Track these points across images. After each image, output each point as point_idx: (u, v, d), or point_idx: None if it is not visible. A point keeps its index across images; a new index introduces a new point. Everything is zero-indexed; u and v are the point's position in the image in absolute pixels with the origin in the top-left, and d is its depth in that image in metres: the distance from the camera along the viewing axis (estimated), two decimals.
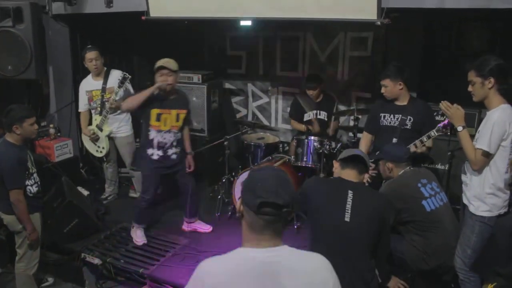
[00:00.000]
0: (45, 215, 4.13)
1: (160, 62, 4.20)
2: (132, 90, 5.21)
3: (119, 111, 5.09)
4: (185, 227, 4.84)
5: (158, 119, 4.27)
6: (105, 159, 5.45)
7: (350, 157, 2.97)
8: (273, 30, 6.30)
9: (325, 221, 2.73)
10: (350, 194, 2.78)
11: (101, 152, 5.34)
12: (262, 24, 5.81)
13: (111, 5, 4.91)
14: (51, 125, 5.56)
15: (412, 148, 3.85)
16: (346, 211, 2.75)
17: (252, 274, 1.58)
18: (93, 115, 5.24)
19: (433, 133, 3.74)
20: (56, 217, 4.40)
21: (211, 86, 6.12)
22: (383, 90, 4.10)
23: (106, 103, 5.07)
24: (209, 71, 6.26)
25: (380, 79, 4.12)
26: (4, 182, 3.57)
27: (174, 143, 4.40)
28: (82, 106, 5.25)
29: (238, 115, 6.95)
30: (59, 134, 5.65)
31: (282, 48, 6.41)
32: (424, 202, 3.48)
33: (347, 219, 2.73)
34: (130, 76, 5.01)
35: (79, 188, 5.06)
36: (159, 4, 4.74)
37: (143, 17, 4.77)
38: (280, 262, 1.61)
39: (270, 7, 4.31)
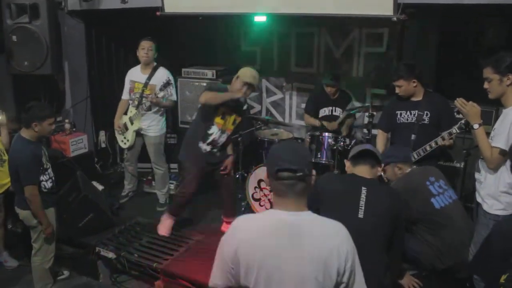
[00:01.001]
0: (61, 210, 4.19)
1: (247, 77, 4.19)
2: (175, 96, 5.23)
3: (155, 109, 5.11)
4: (224, 227, 4.74)
5: (223, 117, 4.36)
6: (126, 153, 5.46)
7: (359, 153, 2.93)
8: (287, 26, 6.27)
9: (338, 218, 2.69)
10: (363, 190, 2.75)
11: (125, 144, 5.34)
12: (277, 20, 5.78)
13: (126, 1, 4.93)
14: (66, 120, 5.62)
15: (439, 141, 3.78)
16: (360, 207, 2.72)
17: (278, 232, 1.78)
18: (130, 106, 5.21)
19: (455, 129, 3.68)
20: (71, 212, 4.45)
21: (225, 82, 6.10)
22: (397, 90, 4.05)
23: (144, 98, 5.05)
24: (223, 67, 6.26)
25: (393, 80, 4.06)
26: (19, 178, 3.62)
27: (225, 144, 4.54)
28: (125, 94, 5.27)
29: (252, 111, 6.95)
30: (74, 129, 5.71)
31: (297, 44, 6.38)
32: (433, 200, 3.45)
33: (360, 215, 2.71)
34: (172, 82, 5.01)
35: (94, 183, 5.10)
36: (174, 0, 4.75)
37: (158, 13, 4.78)
38: (302, 225, 1.80)
39: (285, 2, 4.29)
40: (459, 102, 3.24)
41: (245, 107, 4.62)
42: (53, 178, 3.90)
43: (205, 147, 4.38)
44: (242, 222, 1.90)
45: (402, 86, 3.99)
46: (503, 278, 2.27)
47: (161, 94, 4.89)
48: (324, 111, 5.43)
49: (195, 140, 4.38)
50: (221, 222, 4.79)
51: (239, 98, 4.18)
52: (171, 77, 5.04)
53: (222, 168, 4.56)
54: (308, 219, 1.84)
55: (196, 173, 4.41)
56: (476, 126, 3.16)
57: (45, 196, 3.75)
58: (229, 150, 4.70)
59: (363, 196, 2.72)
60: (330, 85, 5.31)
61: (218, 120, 4.33)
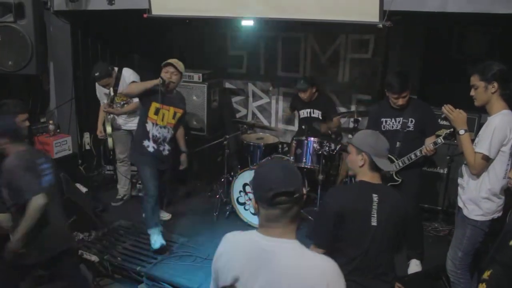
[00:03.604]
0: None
1: (169, 60, 4.38)
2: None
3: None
4: None
5: (156, 113, 4.38)
6: (113, 154, 5.49)
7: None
8: (274, 30, 6.30)
9: (352, 229, 2.56)
10: (375, 198, 2.59)
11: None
12: (264, 25, 5.80)
13: (113, 2, 4.90)
14: (51, 122, 5.56)
15: (424, 150, 3.79)
16: (372, 215, 2.58)
17: (249, 254, 1.75)
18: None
19: (440, 140, 3.71)
20: None
21: (211, 85, 6.12)
22: (401, 102, 3.92)
23: (115, 103, 5.20)
24: (209, 70, 6.26)
25: (401, 92, 3.88)
26: None
27: (167, 140, 4.51)
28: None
29: (238, 115, 6.95)
30: (58, 130, 5.65)
31: (284, 49, 6.41)
32: None
33: (374, 223, 2.58)
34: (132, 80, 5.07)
35: (78, 185, 5.05)
36: (161, 2, 4.73)
37: (145, 15, 4.76)
38: (278, 254, 1.70)
39: (272, 7, 4.30)
40: (447, 108, 3.29)
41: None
42: None
43: (148, 143, 4.41)
44: (228, 235, 1.89)
45: (407, 96, 3.93)
46: (486, 274, 2.29)
47: (123, 109, 5.16)
48: (303, 113, 5.54)
49: (140, 139, 4.46)
50: (204, 226, 4.81)
51: (166, 80, 4.27)
52: (132, 75, 5.16)
53: (181, 166, 4.80)
54: (288, 248, 1.73)
55: (151, 172, 4.39)
56: (462, 131, 3.20)
57: None
58: (182, 146, 4.80)
59: (375, 203, 2.59)
60: (301, 90, 5.35)
61: (151, 116, 4.37)
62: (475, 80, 3.13)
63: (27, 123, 3.71)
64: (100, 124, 5.35)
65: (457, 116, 3.24)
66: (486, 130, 3.12)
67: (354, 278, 2.49)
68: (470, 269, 3.36)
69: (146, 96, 4.35)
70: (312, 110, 5.46)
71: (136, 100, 5.01)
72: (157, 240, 4.32)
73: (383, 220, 2.58)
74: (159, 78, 4.27)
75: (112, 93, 5.15)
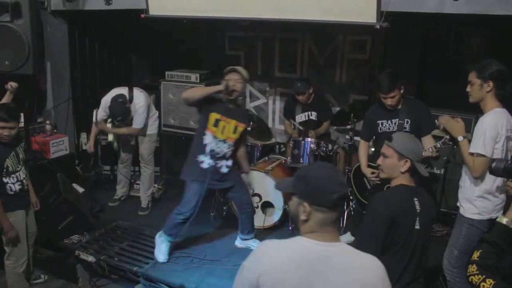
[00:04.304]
0: (40, 212, 4.12)
1: (234, 66, 4.04)
2: (139, 123, 5.05)
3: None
4: (238, 243, 4.48)
5: (216, 124, 3.96)
6: (121, 154, 5.47)
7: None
8: (272, 31, 6.29)
9: (402, 234, 2.52)
10: (416, 201, 2.59)
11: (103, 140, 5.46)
12: (261, 25, 5.81)
13: (111, 2, 4.89)
14: (48, 122, 5.54)
15: (425, 153, 3.79)
16: (417, 219, 2.58)
17: (305, 265, 1.64)
18: None
19: (439, 144, 3.72)
20: (51, 214, 4.38)
21: (209, 86, 6.09)
22: (390, 102, 3.93)
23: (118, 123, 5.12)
24: (207, 70, 6.25)
25: (385, 93, 3.91)
26: None
27: (227, 155, 4.08)
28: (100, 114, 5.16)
29: None
30: (55, 130, 5.64)
31: (281, 49, 6.41)
32: None
33: (417, 226, 2.57)
34: (142, 106, 5.00)
35: (74, 185, 5.05)
36: (159, 3, 4.74)
37: (142, 15, 4.76)
38: (334, 258, 1.67)
39: (270, 8, 4.31)
40: (444, 120, 3.33)
41: (239, 101, 4.24)
42: (24, 181, 3.80)
43: (203, 159, 4.00)
44: (270, 245, 1.75)
45: (396, 96, 3.94)
46: (475, 255, 2.29)
47: (123, 131, 5.11)
48: (301, 117, 5.45)
49: (195, 153, 4.04)
50: (201, 226, 4.76)
51: (229, 86, 3.90)
52: (142, 103, 4.99)
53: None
54: (342, 251, 1.71)
55: (196, 191, 3.99)
56: (460, 138, 3.23)
57: (11, 198, 3.69)
58: (245, 166, 4.40)
59: (417, 207, 2.58)
60: (300, 92, 5.27)
61: (211, 127, 3.96)
62: (472, 76, 3.16)
63: (4, 132, 3.53)
64: (92, 139, 5.26)
65: (454, 125, 3.29)
66: (478, 129, 3.15)
67: (398, 282, 2.51)
68: (466, 269, 3.36)
69: (206, 104, 3.97)
70: (309, 112, 5.42)
71: (138, 126, 5.00)
72: (162, 252, 4.12)
73: (424, 223, 2.59)
74: (223, 83, 3.92)
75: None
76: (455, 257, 3.31)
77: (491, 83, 3.08)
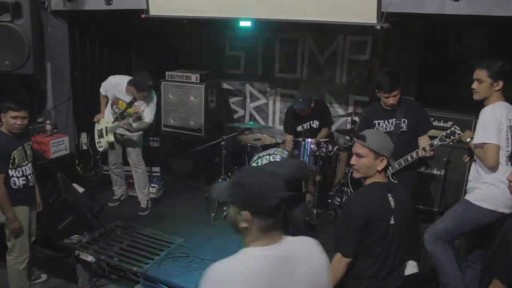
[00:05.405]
0: (40, 212, 4.12)
1: None
2: (148, 117, 5.08)
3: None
4: None
5: None
6: (109, 156, 5.44)
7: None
8: (272, 31, 6.30)
9: (377, 231, 2.55)
10: (390, 197, 2.61)
11: (99, 147, 5.28)
12: (262, 26, 5.80)
13: (111, 2, 4.88)
14: (48, 122, 5.54)
15: (420, 152, 3.79)
16: (391, 214, 2.60)
17: (268, 271, 1.59)
18: (109, 114, 5.17)
19: (436, 142, 3.73)
20: (51, 214, 4.38)
21: (209, 86, 6.11)
22: (392, 101, 3.94)
23: (126, 116, 5.05)
24: (207, 70, 6.26)
25: (391, 91, 3.90)
26: None
27: None
28: (105, 93, 5.19)
29: (235, 116, 6.95)
30: (55, 130, 5.63)
31: (281, 50, 6.41)
32: None
33: (392, 222, 2.59)
34: (152, 101, 5.06)
35: (75, 185, 5.04)
36: (159, 3, 4.73)
37: (143, 15, 4.76)
38: (290, 255, 1.65)
39: (270, 8, 4.31)
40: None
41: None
42: (29, 177, 3.82)
43: None
44: (224, 267, 1.61)
45: (397, 95, 3.94)
46: None
47: (135, 125, 5.02)
48: (301, 128, 5.45)
49: None
50: (201, 226, 4.75)
51: None
52: (154, 99, 5.06)
53: None
54: (291, 245, 1.69)
55: None
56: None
57: (14, 193, 3.69)
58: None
59: (391, 202, 2.60)
60: (302, 110, 5.27)
61: None
62: (482, 74, 3.20)
63: (17, 121, 3.61)
64: (103, 112, 5.24)
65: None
66: (480, 121, 3.22)
67: (378, 276, 2.56)
68: (452, 248, 3.43)
69: None
70: (311, 121, 5.43)
71: (149, 120, 5.04)
72: None
73: (399, 217, 2.61)
74: None
75: (128, 101, 4.99)
76: (437, 229, 3.42)
77: (501, 83, 3.15)
